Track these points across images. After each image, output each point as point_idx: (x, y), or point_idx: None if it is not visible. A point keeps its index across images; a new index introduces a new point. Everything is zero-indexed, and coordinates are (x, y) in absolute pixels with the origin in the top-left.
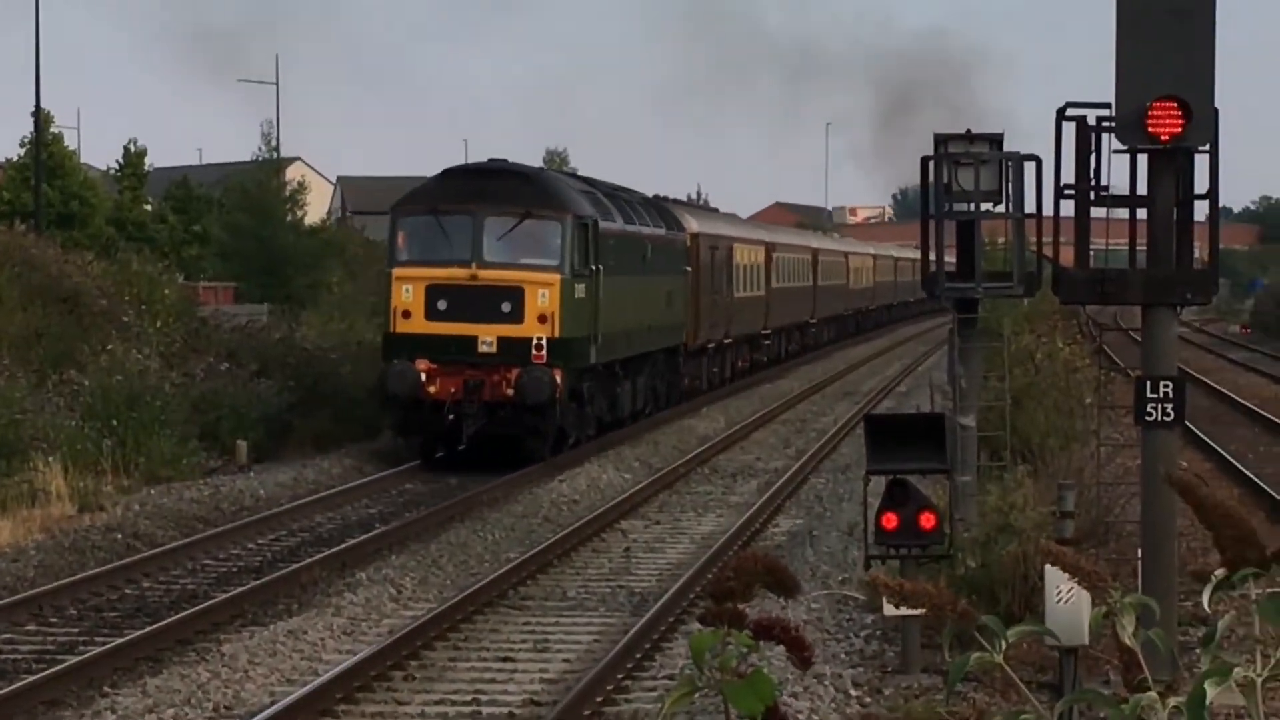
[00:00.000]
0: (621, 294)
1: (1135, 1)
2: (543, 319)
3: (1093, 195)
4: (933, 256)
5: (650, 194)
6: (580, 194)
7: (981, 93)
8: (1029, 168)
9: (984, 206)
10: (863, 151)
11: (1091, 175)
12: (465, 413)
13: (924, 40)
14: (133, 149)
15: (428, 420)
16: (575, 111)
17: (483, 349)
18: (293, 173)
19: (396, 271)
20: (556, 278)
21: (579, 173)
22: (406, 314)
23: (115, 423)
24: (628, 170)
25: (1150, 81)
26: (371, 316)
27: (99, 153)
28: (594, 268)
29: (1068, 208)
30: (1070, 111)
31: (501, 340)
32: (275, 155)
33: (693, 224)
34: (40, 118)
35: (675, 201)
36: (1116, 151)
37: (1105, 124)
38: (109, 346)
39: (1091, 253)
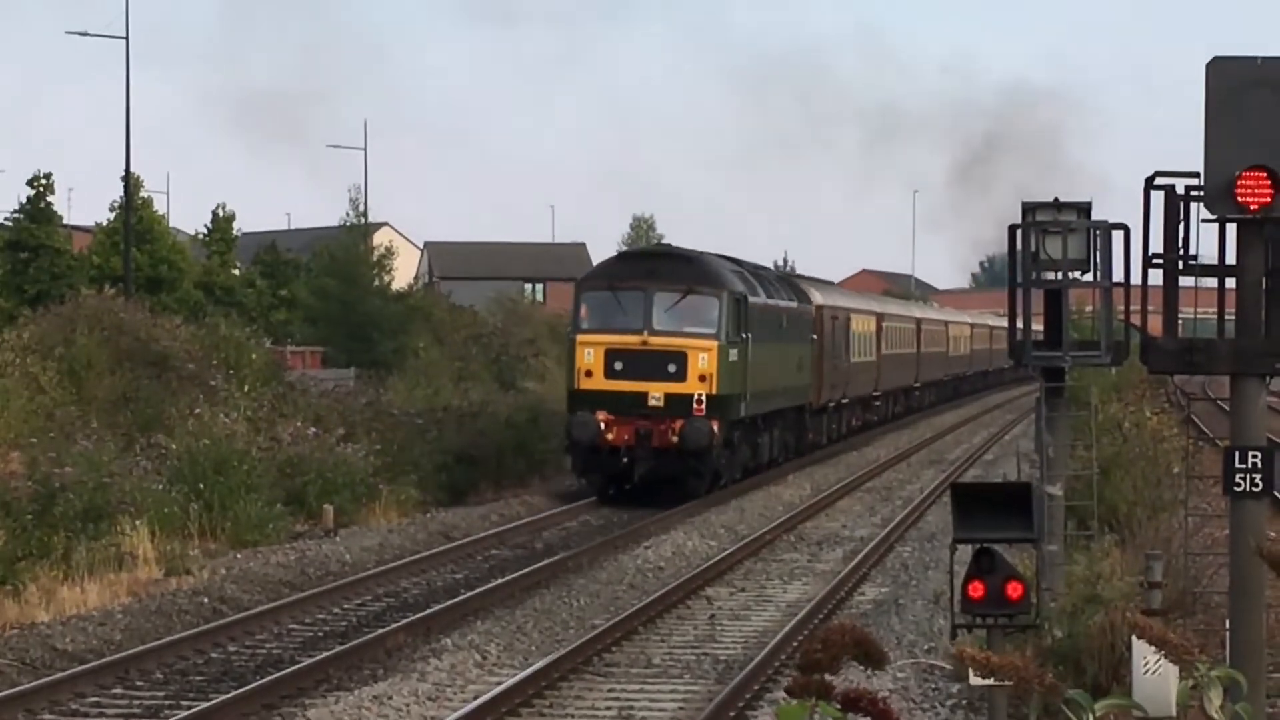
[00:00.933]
0: (764, 358)
1: (1225, 72)
2: (702, 378)
3: (1181, 264)
4: (1020, 325)
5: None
6: (732, 273)
7: (1069, 149)
8: (1117, 236)
9: (1071, 275)
10: (941, 216)
11: (1180, 244)
12: (637, 456)
13: (1009, 94)
14: (221, 213)
15: (605, 463)
16: (657, 175)
17: (652, 403)
18: (380, 238)
19: (580, 337)
20: (714, 344)
21: (692, 246)
22: (589, 373)
23: (202, 486)
24: (710, 235)
25: (1239, 151)
26: (458, 380)
27: (188, 217)
28: (744, 336)
29: (1156, 276)
30: (1159, 180)
31: (668, 396)
32: (363, 220)
33: (817, 297)
34: (130, 183)
35: (800, 277)
36: (1205, 220)
37: (1194, 193)
38: (196, 410)
39: (1180, 322)
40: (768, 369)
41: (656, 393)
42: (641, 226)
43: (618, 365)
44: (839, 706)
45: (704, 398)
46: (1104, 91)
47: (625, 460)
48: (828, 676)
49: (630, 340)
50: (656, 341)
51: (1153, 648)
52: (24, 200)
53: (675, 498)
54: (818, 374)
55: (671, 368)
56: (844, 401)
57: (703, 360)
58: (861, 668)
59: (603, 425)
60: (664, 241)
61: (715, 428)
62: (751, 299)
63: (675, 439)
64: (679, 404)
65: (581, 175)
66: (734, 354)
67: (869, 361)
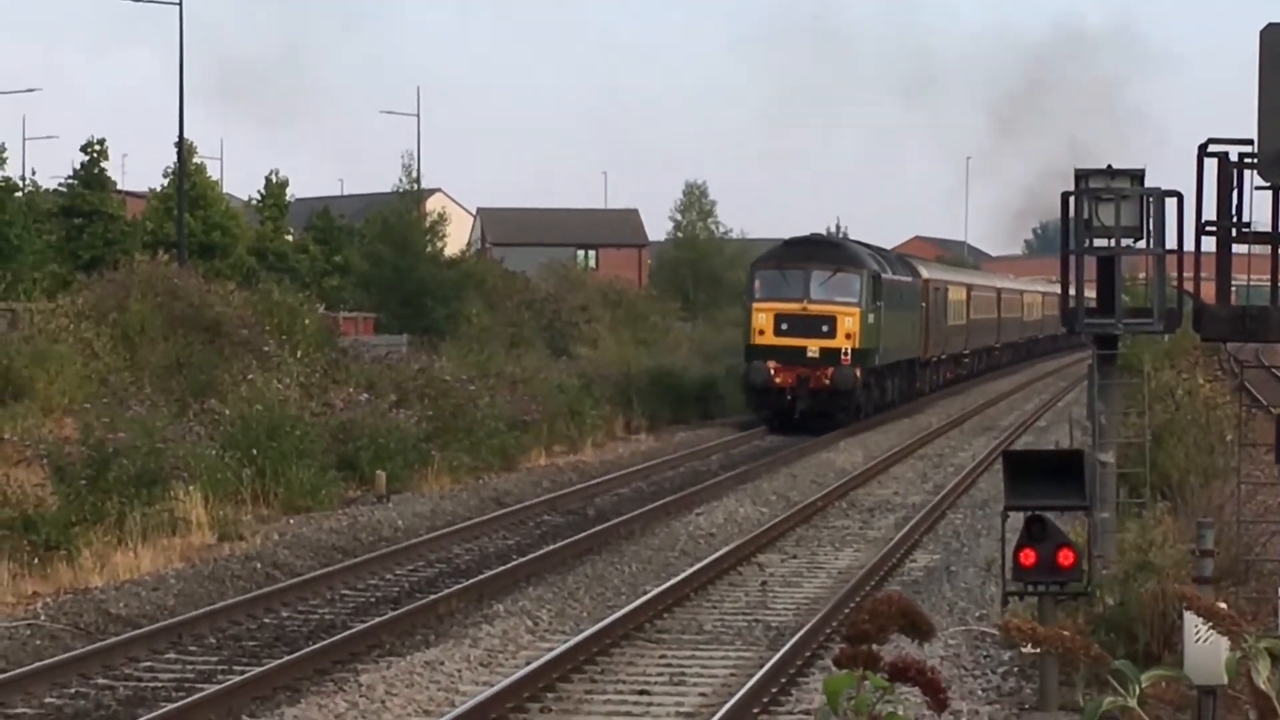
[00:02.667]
0: (890, 321)
1: (1278, 37)
2: (848, 336)
3: (1234, 232)
4: (1073, 292)
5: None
6: (869, 255)
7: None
8: (1170, 203)
9: (1125, 242)
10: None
11: (1233, 211)
12: (798, 395)
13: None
14: (274, 179)
15: (774, 400)
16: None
17: (810, 355)
18: (433, 204)
19: (755, 305)
20: (857, 310)
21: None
22: (761, 332)
23: (255, 452)
24: (761, 202)
25: None
26: (511, 347)
27: (241, 183)
28: (877, 304)
29: (1209, 243)
30: (1212, 148)
31: (822, 349)
32: (416, 186)
33: (924, 272)
34: (184, 148)
35: (912, 256)
36: (1259, 188)
37: (1247, 160)
38: (249, 376)
39: (1233, 289)
40: (892, 330)
41: (813, 347)
42: (694, 193)
43: (784, 326)
44: (886, 677)
45: (849, 351)
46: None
47: (789, 399)
48: (875, 647)
49: (793, 307)
50: (814, 308)
51: (1201, 618)
52: (78, 166)
53: (825, 428)
54: (924, 335)
55: (825, 328)
56: (942, 357)
57: (848, 322)
58: (909, 639)
59: (772, 371)
60: (715, 209)
61: (857, 374)
62: (883, 276)
63: (828, 382)
64: (830, 355)
65: (634, 142)
66: (871, 318)
67: (961, 325)
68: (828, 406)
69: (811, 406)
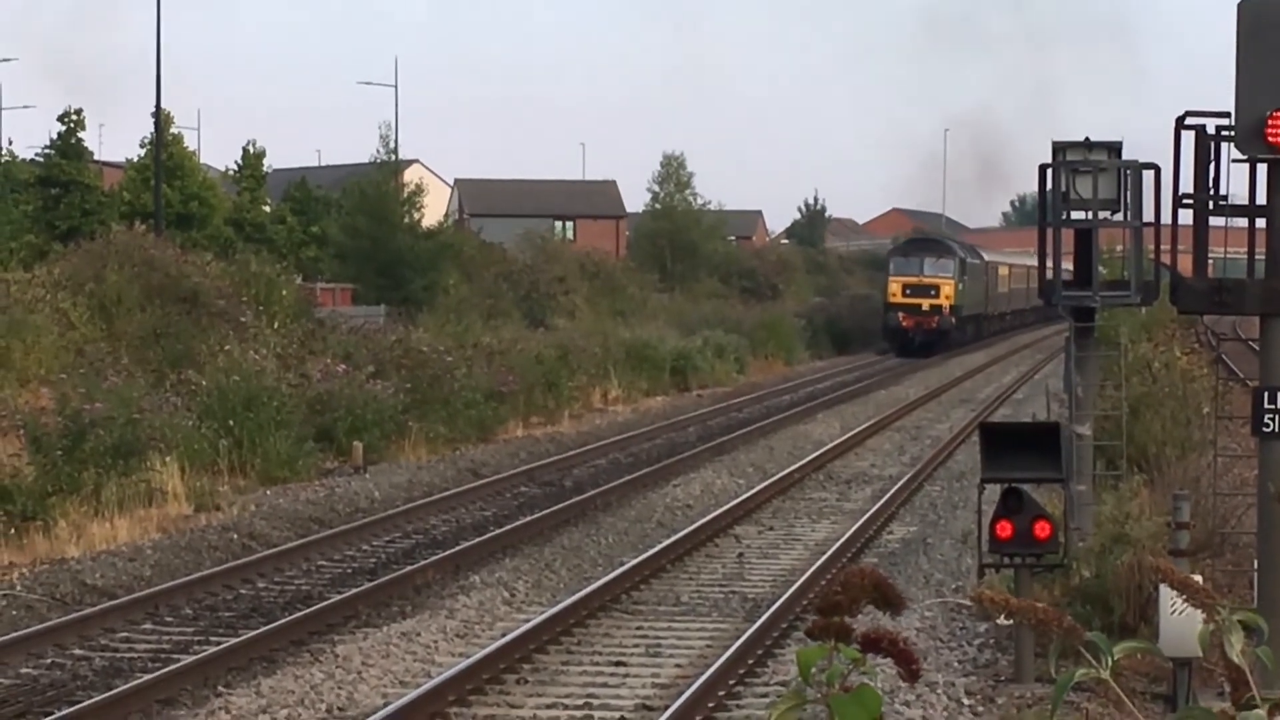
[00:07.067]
0: (969, 288)
1: (1256, 12)
2: (946, 297)
3: (1211, 204)
4: (1049, 264)
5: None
6: (958, 246)
7: None
8: (1147, 176)
9: (1102, 214)
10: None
11: (1210, 184)
12: (916, 334)
13: None
14: (252, 150)
15: (901, 337)
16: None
17: (924, 309)
18: (411, 175)
19: (891, 278)
20: (953, 281)
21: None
22: (893, 294)
23: (232, 423)
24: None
25: (1270, 91)
26: (488, 318)
27: (218, 154)
28: (964, 278)
29: (1186, 216)
30: (1189, 120)
31: (931, 305)
32: (393, 157)
33: (985, 255)
34: (160, 119)
35: (975, 246)
36: (1236, 161)
37: (1224, 133)
38: (226, 347)
39: (1210, 261)
40: (970, 294)
41: (926, 304)
42: (671, 164)
43: (908, 291)
44: (859, 648)
45: (947, 307)
46: None
47: (911, 336)
48: (847, 619)
49: (913, 279)
50: (926, 280)
51: (1175, 591)
52: (55, 136)
53: (933, 353)
54: (985, 298)
55: (933, 292)
56: (994, 314)
57: (947, 289)
58: (881, 612)
59: (901, 318)
60: (693, 179)
61: (953, 321)
62: (966, 260)
63: (935, 325)
64: (936, 309)
65: (612, 112)
66: (960, 286)
67: (1005, 292)
68: (934, 340)
69: (924, 341)
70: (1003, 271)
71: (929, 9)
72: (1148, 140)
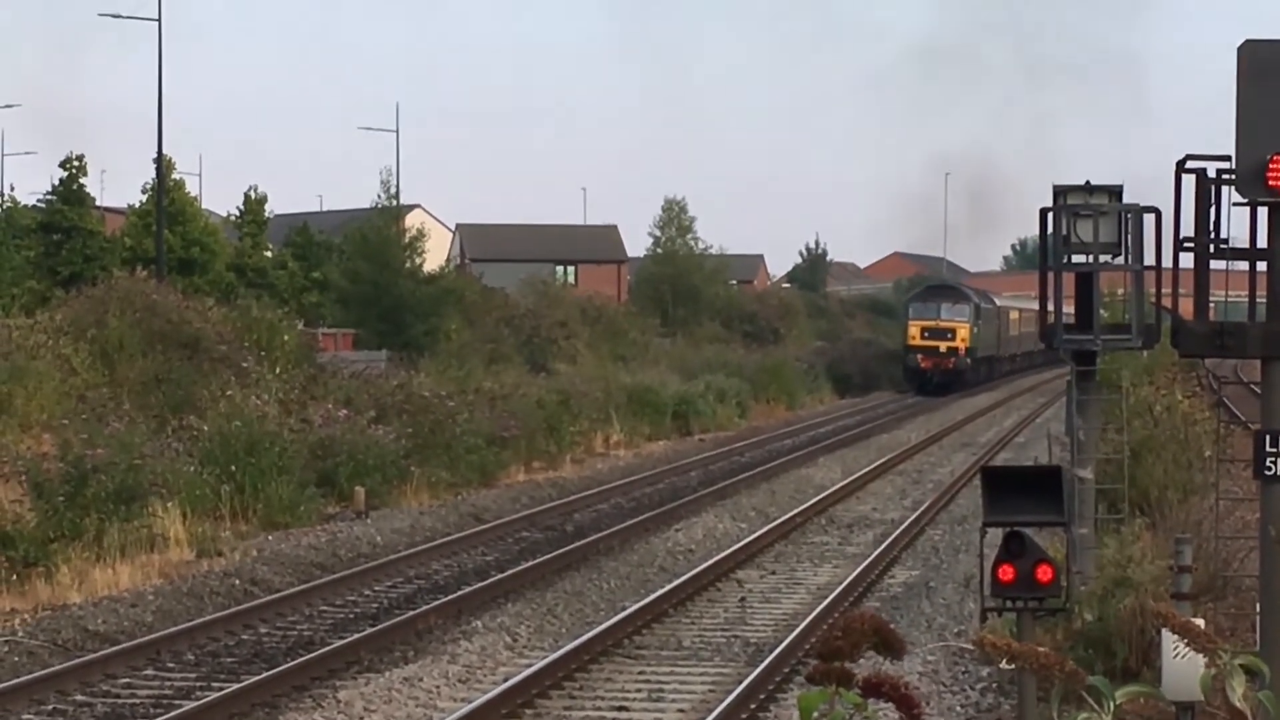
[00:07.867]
0: (983, 332)
1: (1257, 55)
2: (962, 340)
3: (1212, 248)
4: (1051, 308)
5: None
6: (972, 293)
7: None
8: (1148, 220)
9: (1103, 258)
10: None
11: (1211, 228)
12: (934, 374)
13: None
14: (253, 195)
15: (920, 377)
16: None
17: (941, 350)
18: (412, 220)
19: (910, 321)
20: (968, 325)
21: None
22: (912, 337)
23: (234, 468)
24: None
25: (1271, 134)
26: (490, 363)
27: (220, 199)
28: (979, 322)
29: (1187, 260)
30: (1190, 164)
31: (948, 347)
32: (395, 202)
33: (997, 301)
34: (162, 164)
35: (987, 291)
36: (1236, 204)
37: (1225, 176)
38: (228, 392)
39: (1211, 305)
40: (984, 337)
41: (943, 346)
42: (673, 209)
43: (926, 334)
44: (860, 692)
45: (964, 349)
46: None
47: (930, 377)
48: (847, 664)
49: (931, 323)
50: (943, 324)
51: (1177, 635)
52: (57, 182)
53: (949, 391)
54: (998, 341)
55: (949, 335)
56: (1006, 356)
57: (962, 332)
58: (882, 657)
59: (920, 359)
60: (695, 224)
61: (968, 362)
62: (980, 305)
63: (951, 366)
64: (952, 351)
65: (614, 156)
66: (975, 330)
67: (1016, 335)
68: (950, 380)
69: (941, 381)
70: (1013, 316)
71: (925, 52)
72: (1148, 174)
